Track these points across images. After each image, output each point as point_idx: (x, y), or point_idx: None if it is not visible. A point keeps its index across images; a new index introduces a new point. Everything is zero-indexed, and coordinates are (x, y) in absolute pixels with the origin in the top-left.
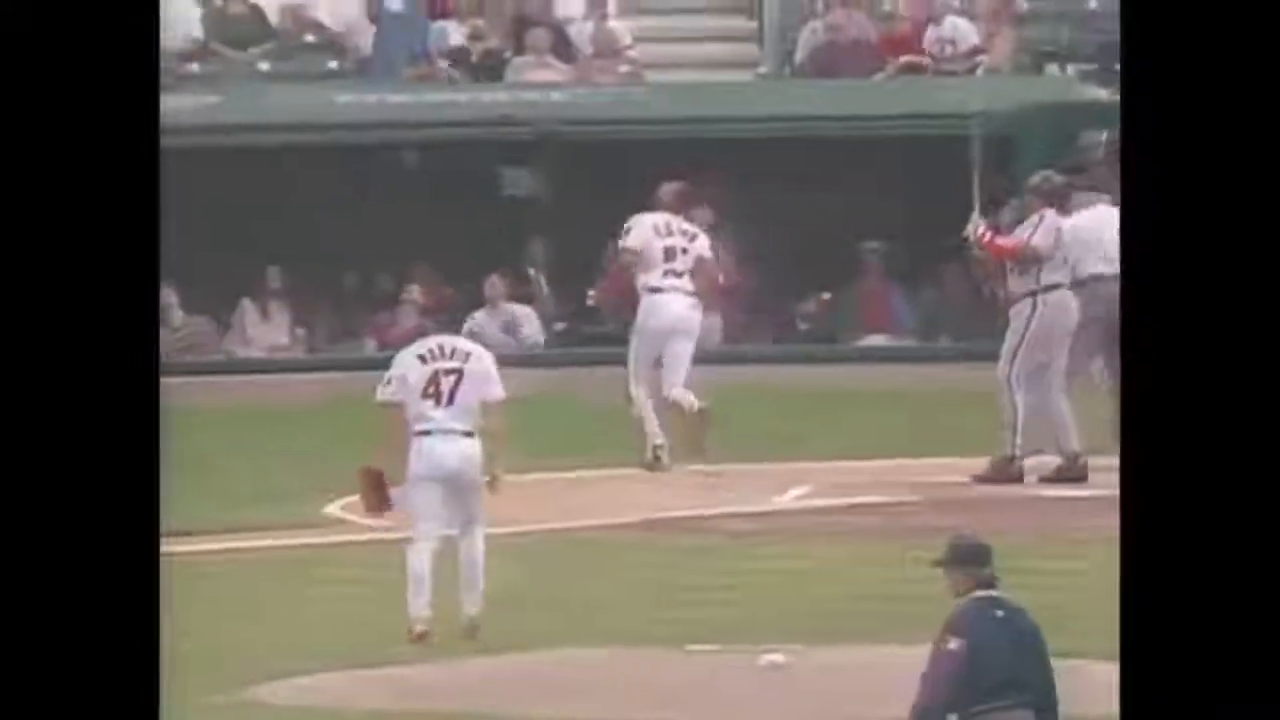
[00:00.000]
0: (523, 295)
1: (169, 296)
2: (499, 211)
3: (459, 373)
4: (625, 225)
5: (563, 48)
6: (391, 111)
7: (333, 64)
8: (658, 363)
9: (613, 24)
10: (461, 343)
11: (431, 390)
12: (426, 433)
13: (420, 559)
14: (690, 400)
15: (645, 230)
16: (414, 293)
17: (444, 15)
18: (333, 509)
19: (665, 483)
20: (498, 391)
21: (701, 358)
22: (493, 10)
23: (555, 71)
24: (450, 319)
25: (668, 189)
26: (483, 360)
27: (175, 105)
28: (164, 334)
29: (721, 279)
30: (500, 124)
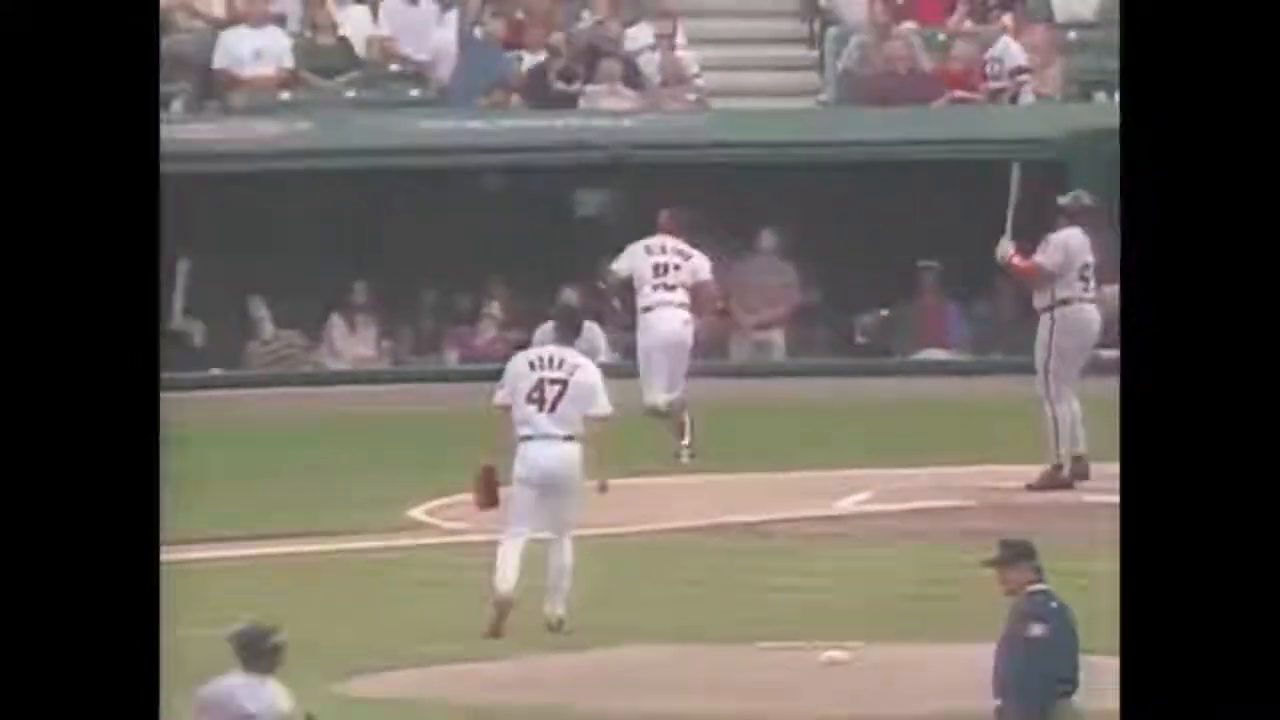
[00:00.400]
0: (592, 310)
1: (260, 310)
2: (572, 231)
3: (564, 383)
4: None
5: (632, 77)
6: (470, 137)
7: (415, 92)
8: (672, 375)
9: (680, 54)
10: (571, 355)
11: (536, 396)
12: (528, 437)
13: (509, 552)
14: (682, 441)
15: (636, 253)
16: (493, 308)
17: (520, 46)
18: (416, 513)
19: (734, 488)
20: (602, 407)
21: (768, 370)
22: (566, 42)
23: (625, 99)
24: (564, 335)
25: (663, 213)
26: (589, 374)
27: (268, 131)
28: (256, 347)
29: (721, 305)
30: (573, 148)
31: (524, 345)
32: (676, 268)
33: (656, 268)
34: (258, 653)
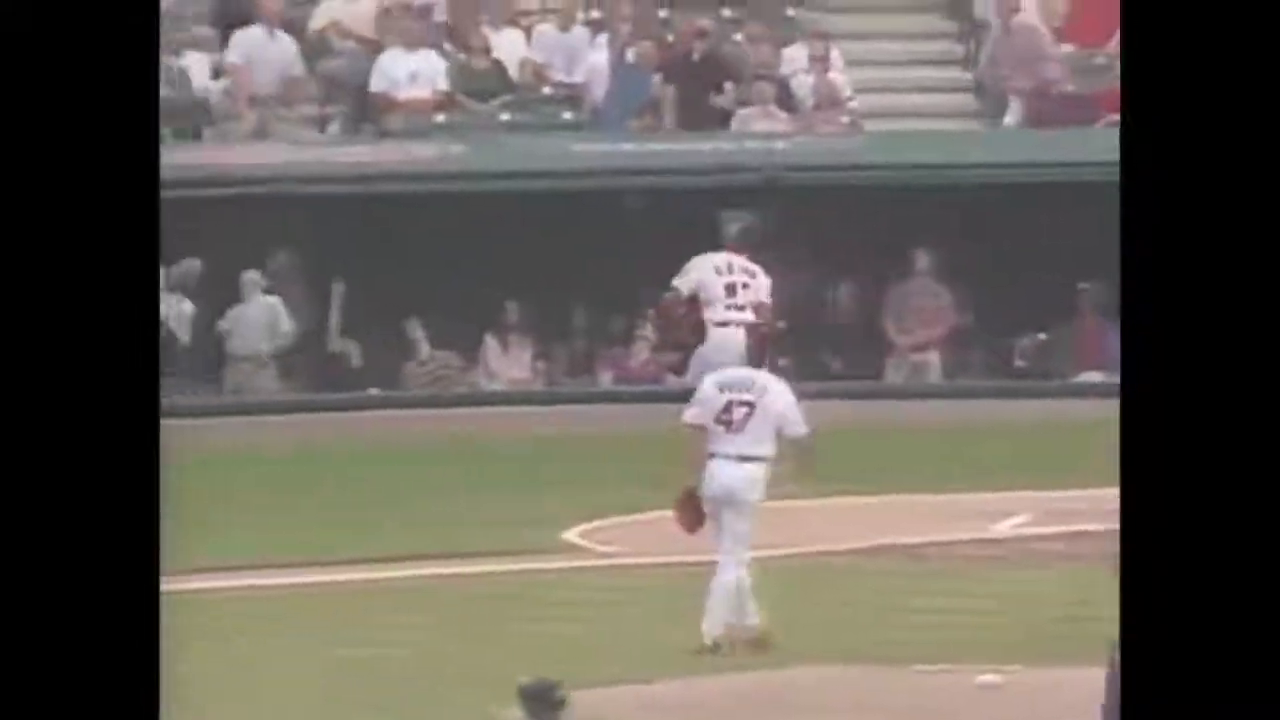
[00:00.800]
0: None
1: (416, 331)
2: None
3: (751, 405)
4: (686, 265)
5: (786, 99)
6: (623, 159)
7: (568, 115)
8: None
9: (833, 76)
10: (762, 377)
11: (724, 417)
12: (713, 455)
13: (717, 576)
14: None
15: (705, 270)
16: (647, 329)
17: (669, 68)
18: (570, 535)
19: (890, 510)
20: (796, 428)
21: (924, 392)
22: (718, 63)
23: (778, 121)
24: (754, 357)
25: (733, 231)
26: (778, 396)
27: (423, 154)
28: (412, 367)
29: (764, 329)
30: (726, 171)
31: (677, 368)
32: (745, 286)
33: (729, 288)
34: (547, 704)
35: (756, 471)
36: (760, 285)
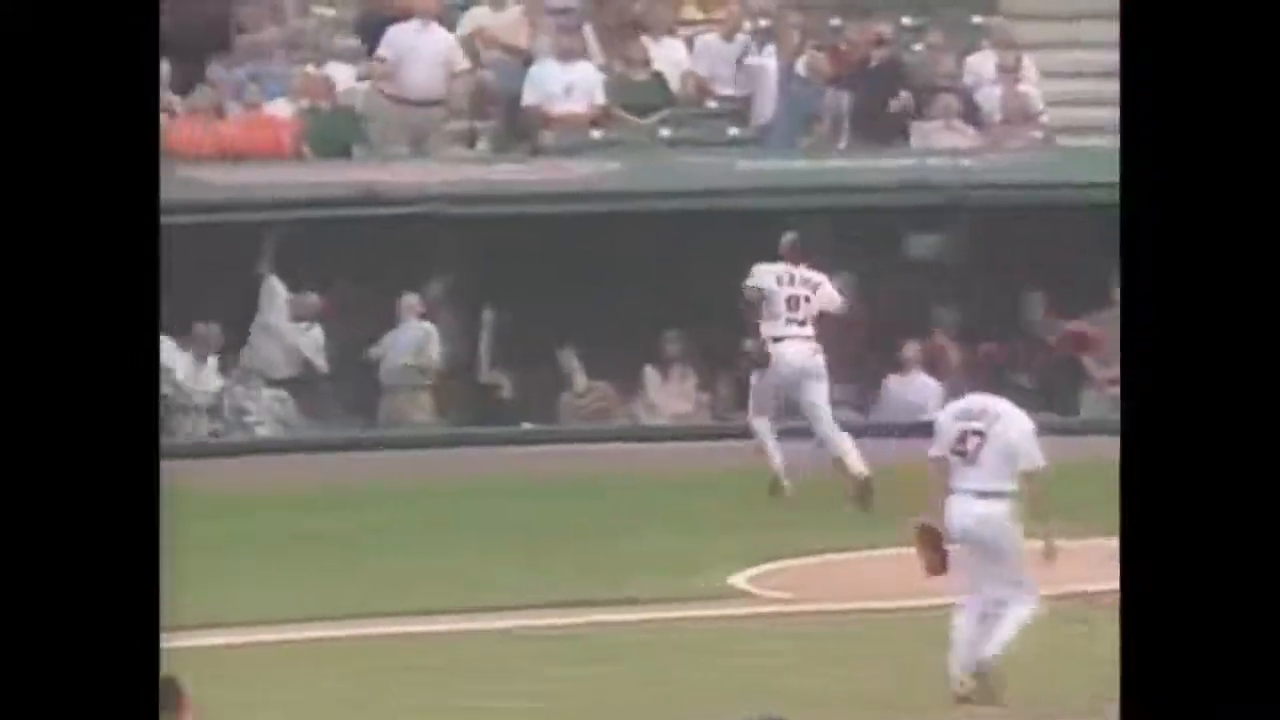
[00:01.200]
0: (930, 360)
1: (572, 361)
2: (905, 276)
3: (983, 434)
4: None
5: (970, 112)
6: (792, 177)
7: (733, 131)
8: (778, 403)
9: (1024, 88)
10: (995, 404)
11: (959, 448)
12: (951, 491)
13: (958, 618)
14: (859, 469)
15: (767, 279)
16: None
17: (839, 81)
18: (737, 580)
19: (1079, 554)
20: (1031, 459)
21: (1084, 428)
22: (897, 73)
23: (963, 136)
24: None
25: (785, 240)
26: (1013, 425)
27: (578, 172)
28: (568, 399)
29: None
30: (906, 189)
31: (848, 400)
32: (807, 299)
33: (789, 300)
34: None
35: (995, 507)
36: (823, 297)
